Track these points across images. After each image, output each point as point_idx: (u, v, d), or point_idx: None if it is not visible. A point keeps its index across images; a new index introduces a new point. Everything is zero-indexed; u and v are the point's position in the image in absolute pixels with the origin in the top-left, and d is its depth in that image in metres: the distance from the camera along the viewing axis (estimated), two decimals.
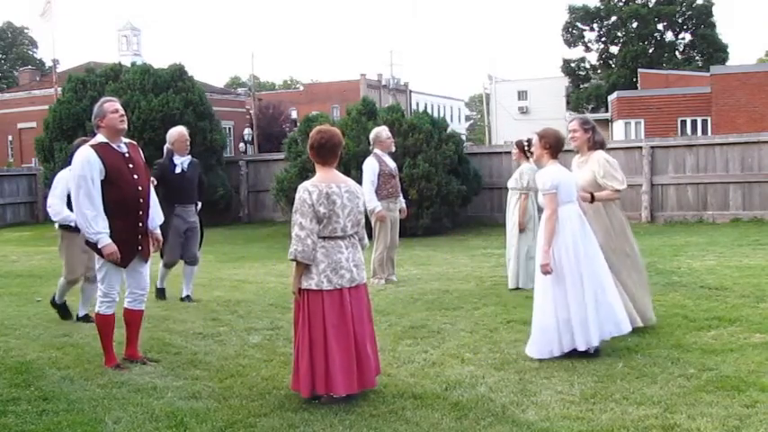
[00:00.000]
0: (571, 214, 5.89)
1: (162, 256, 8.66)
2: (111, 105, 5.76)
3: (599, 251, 5.99)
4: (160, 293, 8.79)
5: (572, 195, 5.96)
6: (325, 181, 4.92)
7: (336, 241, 4.90)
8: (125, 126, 5.79)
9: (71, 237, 7.51)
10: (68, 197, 7.39)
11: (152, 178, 7.86)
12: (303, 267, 4.88)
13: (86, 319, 7.56)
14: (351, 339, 4.87)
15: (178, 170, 8.54)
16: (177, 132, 8.75)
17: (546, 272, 5.72)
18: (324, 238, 4.87)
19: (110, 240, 5.61)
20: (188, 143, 8.74)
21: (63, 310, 7.88)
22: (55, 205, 7.43)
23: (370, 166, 9.42)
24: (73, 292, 8.04)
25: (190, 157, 8.76)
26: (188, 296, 8.70)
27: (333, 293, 4.86)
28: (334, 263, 4.87)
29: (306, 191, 4.86)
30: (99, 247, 5.62)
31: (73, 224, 7.34)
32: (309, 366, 4.83)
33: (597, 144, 6.58)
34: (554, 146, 5.97)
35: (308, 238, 4.81)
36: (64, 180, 7.43)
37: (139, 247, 5.85)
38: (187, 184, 8.60)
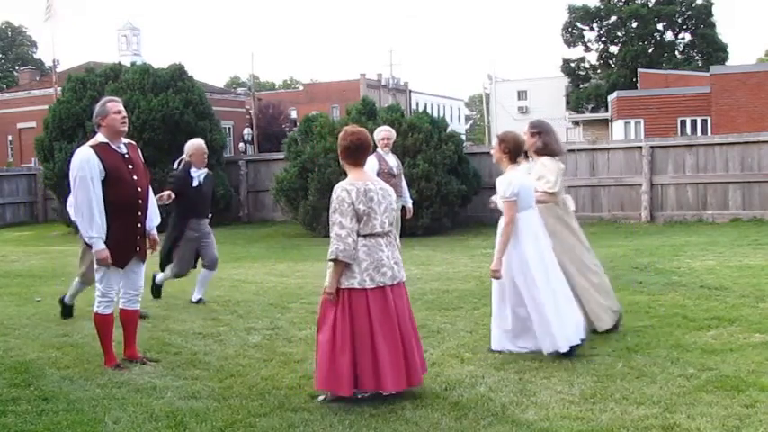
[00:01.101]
0: (532, 219, 5.95)
1: (161, 266, 8.47)
2: (114, 106, 5.75)
3: (555, 258, 6.04)
4: (156, 291, 8.61)
5: (531, 201, 5.99)
6: (360, 180, 4.96)
7: (376, 239, 4.93)
8: (126, 128, 5.78)
9: None
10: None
11: (169, 192, 7.67)
12: (343, 266, 4.86)
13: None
14: (397, 336, 4.89)
15: (195, 183, 8.27)
16: (196, 145, 8.44)
17: (496, 277, 5.80)
18: (364, 236, 4.89)
19: (103, 246, 5.61)
20: (206, 156, 8.47)
21: (68, 311, 7.86)
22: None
23: (368, 165, 9.41)
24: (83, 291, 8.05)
25: (206, 169, 8.52)
26: (200, 299, 8.53)
27: (375, 291, 4.87)
28: (376, 261, 4.89)
29: (344, 190, 4.88)
30: (92, 251, 5.63)
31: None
32: (352, 364, 4.82)
33: (542, 149, 6.45)
34: (513, 150, 5.95)
35: (348, 236, 4.82)
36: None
37: (137, 248, 5.85)
38: (204, 198, 8.39)
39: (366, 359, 4.84)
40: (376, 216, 4.92)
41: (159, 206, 7.40)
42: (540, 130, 6.50)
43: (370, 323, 4.84)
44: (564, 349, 5.72)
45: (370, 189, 4.92)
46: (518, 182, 5.83)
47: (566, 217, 6.50)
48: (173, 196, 7.72)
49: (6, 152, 42.15)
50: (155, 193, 7.33)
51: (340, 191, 4.89)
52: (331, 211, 4.92)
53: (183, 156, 8.46)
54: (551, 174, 6.34)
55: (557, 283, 5.91)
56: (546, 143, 6.44)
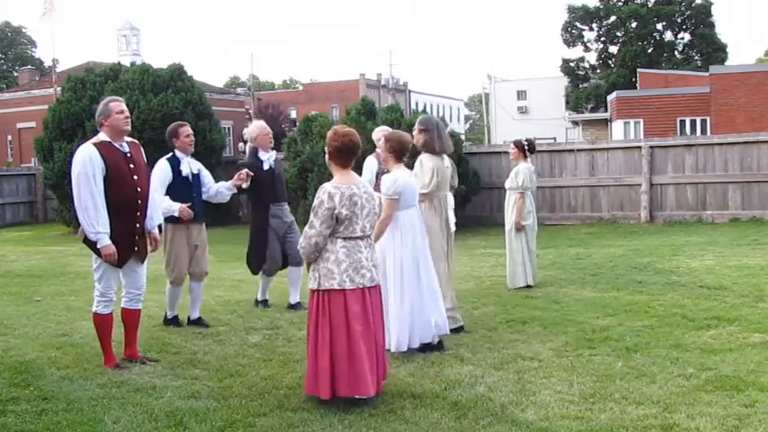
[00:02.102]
0: (413, 218, 6.11)
1: (250, 266, 8.15)
2: (117, 106, 5.75)
3: (429, 256, 6.21)
4: (263, 305, 8.17)
5: (414, 200, 6.15)
6: (346, 183, 4.96)
7: (356, 241, 4.95)
8: (128, 128, 5.78)
9: (176, 229, 7.04)
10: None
11: (247, 170, 7.29)
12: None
13: (199, 322, 7.25)
14: (373, 338, 4.91)
15: (267, 167, 7.92)
16: (258, 127, 8.10)
17: None
18: (344, 238, 4.91)
19: (109, 241, 5.61)
20: (271, 137, 8.10)
21: (174, 323, 7.29)
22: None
23: (368, 165, 9.42)
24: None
25: (274, 152, 8.19)
26: (298, 303, 7.97)
27: (355, 292, 4.89)
28: (355, 262, 4.91)
29: (327, 193, 4.89)
30: (98, 247, 5.62)
31: (176, 214, 6.88)
32: (330, 368, 4.80)
33: (421, 146, 6.72)
34: (398, 149, 6.11)
35: (313, 238, 4.87)
36: (158, 171, 6.90)
37: (136, 248, 5.85)
38: (278, 181, 8.05)
39: (343, 363, 4.81)
40: (358, 220, 4.93)
41: (239, 188, 7.22)
42: (424, 127, 6.79)
43: (348, 325, 4.83)
44: (403, 348, 5.90)
45: (355, 193, 4.92)
46: (402, 181, 6.00)
47: (430, 221, 6.60)
48: (251, 174, 7.39)
49: (6, 152, 42.13)
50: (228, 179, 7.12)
51: (322, 193, 4.90)
52: (311, 207, 4.96)
53: (249, 143, 8.13)
54: (426, 175, 6.60)
55: (426, 284, 6.08)
56: (425, 141, 6.71)
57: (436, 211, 6.70)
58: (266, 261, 8.03)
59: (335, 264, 4.88)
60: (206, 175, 7.34)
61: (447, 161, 6.91)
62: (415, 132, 6.77)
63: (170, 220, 7.03)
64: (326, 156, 5.12)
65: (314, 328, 4.92)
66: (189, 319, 7.34)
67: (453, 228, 6.98)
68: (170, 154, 7.18)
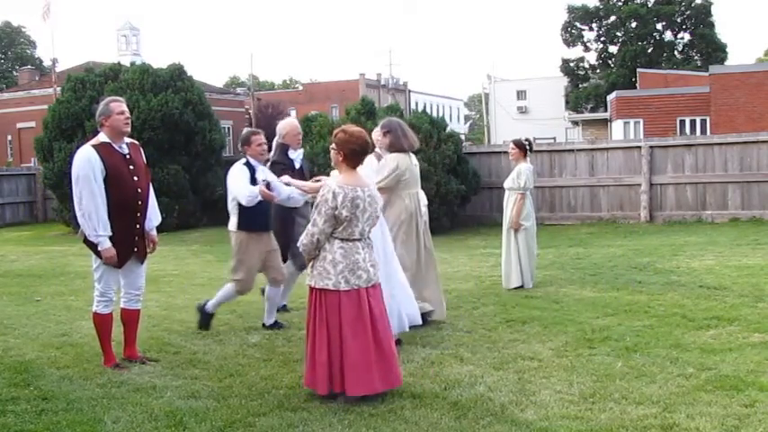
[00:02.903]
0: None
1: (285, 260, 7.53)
2: (118, 106, 5.74)
3: (394, 252, 6.33)
4: (282, 309, 7.79)
5: None
6: (351, 184, 4.95)
7: (354, 243, 4.96)
8: (128, 129, 5.78)
9: (250, 238, 6.83)
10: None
11: (286, 178, 6.90)
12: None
13: (276, 326, 7.12)
14: (369, 338, 4.90)
15: (297, 165, 7.60)
16: (289, 125, 7.76)
17: None
18: (342, 239, 4.93)
19: (110, 244, 5.61)
20: (301, 136, 7.83)
21: (206, 319, 7.09)
22: (243, 195, 6.62)
23: (368, 164, 9.41)
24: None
25: (301, 150, 7.88)
26: (284, 305, 7.90)
27: (350, 293, 4.90)
28: (352, 263, 4.92)
29: (331, 192, 4.88)
30: (99, 249, 5.62)
31: (260, 197, 6.56)
32: (328, 364, 4.86)
33: (388, 147, 6.91)
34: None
35: (315, 235, 4.90)
36: (239, 172, 6.75)
37: (135, 249, 5.85)
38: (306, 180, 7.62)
39: (336, 360, 4.86)
40: (357, 223, 4.94)
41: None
42: (387, 129, 7.00)
43: (341, 326, 4.87)
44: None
45: (358, 196, 4.92)
46: None
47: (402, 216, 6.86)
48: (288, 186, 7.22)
49: (6, 152, 42.14)
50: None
51: (327, 191, 4.91)
52: (314, 204, 4.99)
53: (277, 138, 7.83)
54: (387, 170, 6.81)
55: (394, 279, 6.19)
56: (391, 142, 6.93)
57: (407, 208, 6.87)
58: (293, 258, 7.57)
59: (332, 264, 4.90)
60: (273, 180, 6.98)
61: (414, 159, 7.09)
62: (379, 137, 6.94)
63: (243, 227, 6.82)
64: (340, 156, 5.03)
65: (312, 324, 4.98)
66: (264, 325, 7.18)
67: (425, 225, 7.14)
68: (244, 160, 6.92)
